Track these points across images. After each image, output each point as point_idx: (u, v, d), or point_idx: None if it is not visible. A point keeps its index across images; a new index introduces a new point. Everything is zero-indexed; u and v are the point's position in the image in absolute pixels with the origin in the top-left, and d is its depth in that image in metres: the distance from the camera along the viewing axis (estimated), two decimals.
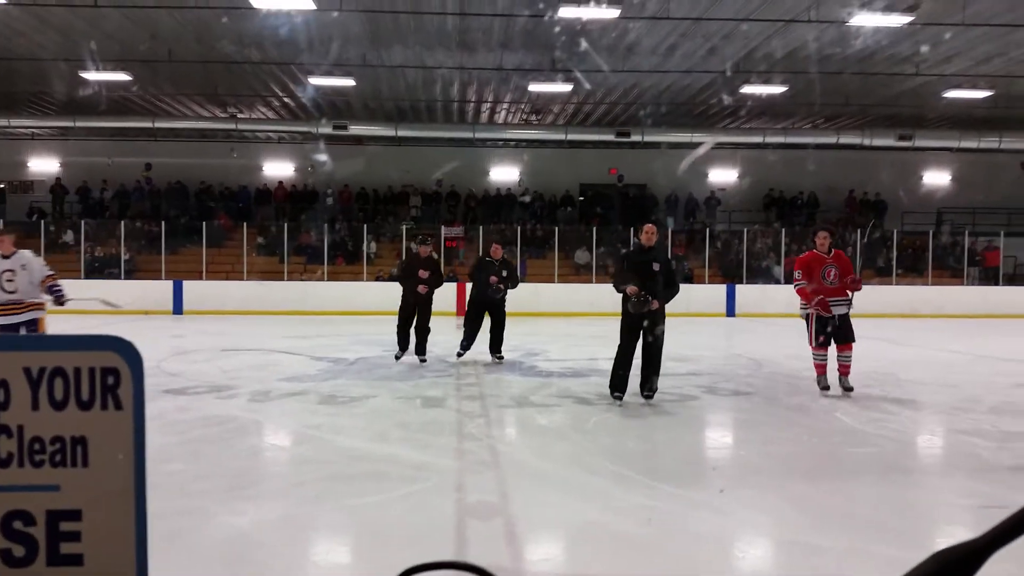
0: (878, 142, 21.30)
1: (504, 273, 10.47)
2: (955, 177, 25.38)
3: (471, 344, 10.62)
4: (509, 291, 10.59)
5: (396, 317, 10.48)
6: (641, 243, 7.81)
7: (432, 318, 10.56)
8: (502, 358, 10.64)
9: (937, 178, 25.57)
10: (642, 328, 7.56)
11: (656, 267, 7.48)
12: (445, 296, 20.52)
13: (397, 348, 10.43)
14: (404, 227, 22.34)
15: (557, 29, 13.91)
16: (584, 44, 14.71)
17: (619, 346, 7.71)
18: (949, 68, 16.41)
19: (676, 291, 7.72)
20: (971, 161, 24.31)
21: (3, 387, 0.75)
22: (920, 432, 7.27)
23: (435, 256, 10.79)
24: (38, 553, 0.75)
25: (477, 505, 4.57)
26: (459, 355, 10.59)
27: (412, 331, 10.38)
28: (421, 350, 10.41)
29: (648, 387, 7.72)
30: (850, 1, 12.35)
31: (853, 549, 3.93)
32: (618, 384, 7.71)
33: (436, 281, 10.34)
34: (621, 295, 7.57)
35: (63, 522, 0.74)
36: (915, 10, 12.51)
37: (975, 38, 14.38)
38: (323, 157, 23.77)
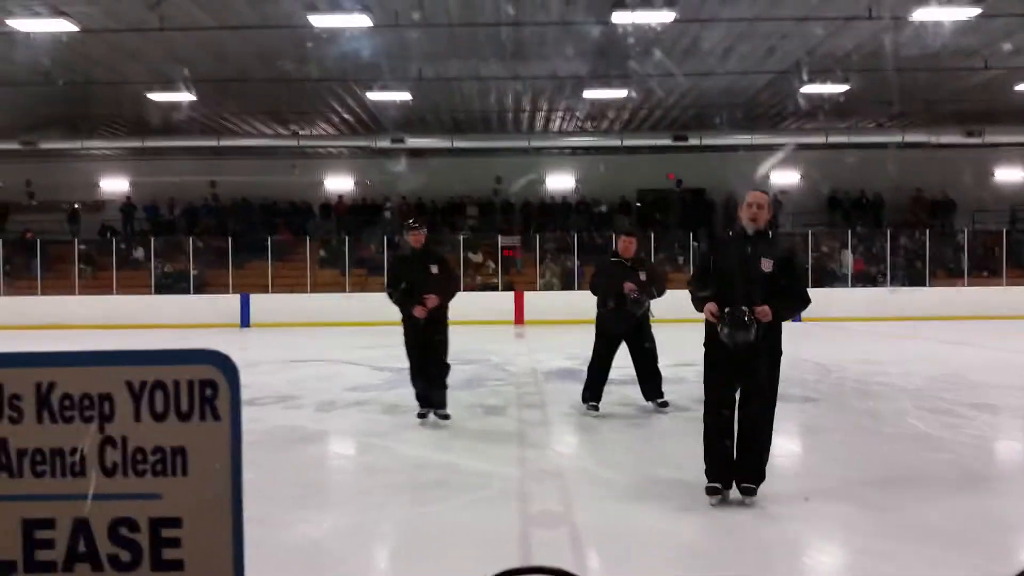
0: (945, 139, 20.64)
1: (643, 277, 7.23)
2: None
3: (601, 390, 7.49)
4: (653, 302, 7.40)
5: (406, 343, 7.19)
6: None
7: (450, 344, 7.23)
8: (666, 403, 7.45)
9: (1009, 175, 24.63)
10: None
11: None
12: (500, 303, 20.79)
13: (417, 403, 7.22)
14: (461, 237, 22.51)
15: (612, 34, 13.87)
16: (639, 49, 14.64)
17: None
18: (1020, 60, 15.81)
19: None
20: None
21: (108, 400, 0.79)
22: (998, 437, 7.01)
23: (436, 248, 7.60)
24: (142, 558, 0.79)
25: (541, 514, 4.57)
26: (593, 408, 7.45)
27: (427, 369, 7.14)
28: (440, 400, 7.05)
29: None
30: None
31: (929, 558, 3.81)
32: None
33: (445, 285, 6.93)
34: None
35: (165, 529, 0.78)
36: (982, 1, 12.10)
37: None
38: (381, 170, 24.13)
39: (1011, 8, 12.63)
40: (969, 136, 20.45)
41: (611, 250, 7.61)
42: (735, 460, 4.60)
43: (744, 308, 4.34)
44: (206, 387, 0.83)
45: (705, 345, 4.63)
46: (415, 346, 6.98)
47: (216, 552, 0.76)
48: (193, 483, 0.80)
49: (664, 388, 7.52)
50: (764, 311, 4.35)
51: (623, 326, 7.22)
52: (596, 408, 7.39)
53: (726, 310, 4.36)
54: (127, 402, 0.80)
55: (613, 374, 10.32)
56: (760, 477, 4.56)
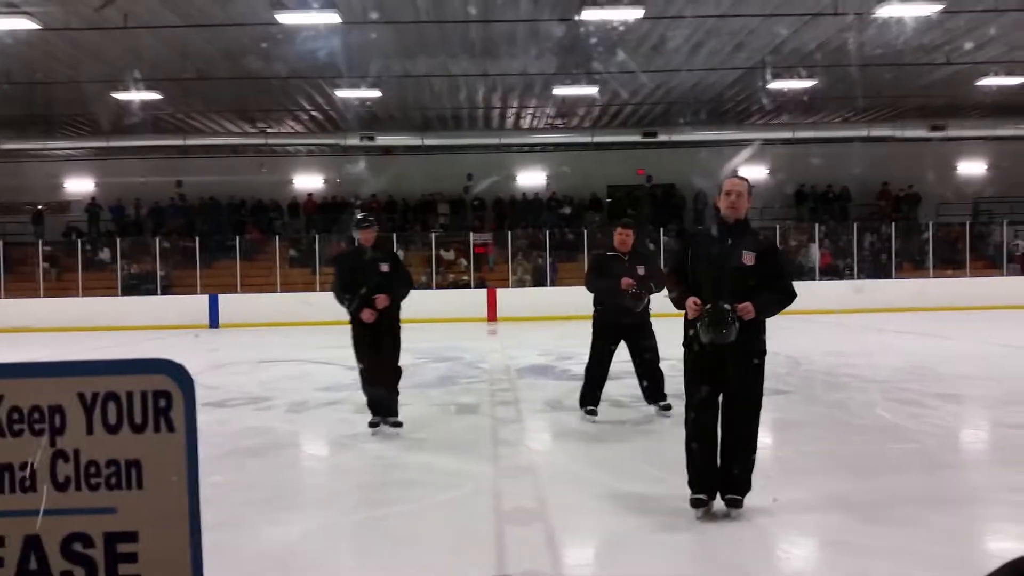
0: (910, 133, 20.95)
1: (641, 271, 6.79)
2: (991, 166, 24.88)
3: (599, 393, 7.11)
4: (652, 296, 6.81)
5: (353, 346, 6.62)
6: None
7: (402, 350, 6.63)
8: (669, 407, 7.01)
9: (972, 168, 25.08)
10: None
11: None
12: (473, 300, 20.77)
13: (369, 412, 6.64)
14: (433, 235, 22.43)
15: (580, 32, 13.89)
16: (608, 46, 14.68)
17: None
18: (982, 56, 16.09)
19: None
20: (1008, 149, 23.81)
21: (59, 412, 0.76)
22: (963, 427, 7.13)
23: (386, 245, 7.02)
24: (98, 574, 0.76)
25: (515, 512, 4.56)
26: (590, 413, 7.06)
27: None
28: (391, 407, 6.54)
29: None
30: None
31: (900, 548, 3.86)
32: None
33: (396, 285, 6.42)
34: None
35: (121, 544, 0.75)
36: None
37: (1008, 24, 14.09)
38: (350, 168, 23.98)
39: (972, 5, 12.84)
40: (933, 130, 20.79)
41: (607, 243, 7.08)
42: (718, 469, 4.28)
43: (725, 305, 4.00)
44: (160, 398, 0.81)
45: (684, 345, 4.29)
46: (365, 350, 6.43)
47: (174, 566, 0.73)
48: (149, 496, 0.78)
49: (636, 382, 7.48)
50: (746, 308, 4.01)
51: (622, 324, 6.79)
52: (595, 413, 7.01)
53: (706, 307, 4.03)
54: (79, 414, 0.78)
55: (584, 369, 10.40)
56: (745, 487, 4.27)
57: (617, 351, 7.03)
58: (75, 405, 0.76)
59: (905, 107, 20.62)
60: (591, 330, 7.01)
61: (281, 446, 6.59)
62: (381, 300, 6.21)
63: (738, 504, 4.26)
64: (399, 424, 6.56)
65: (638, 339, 6.88)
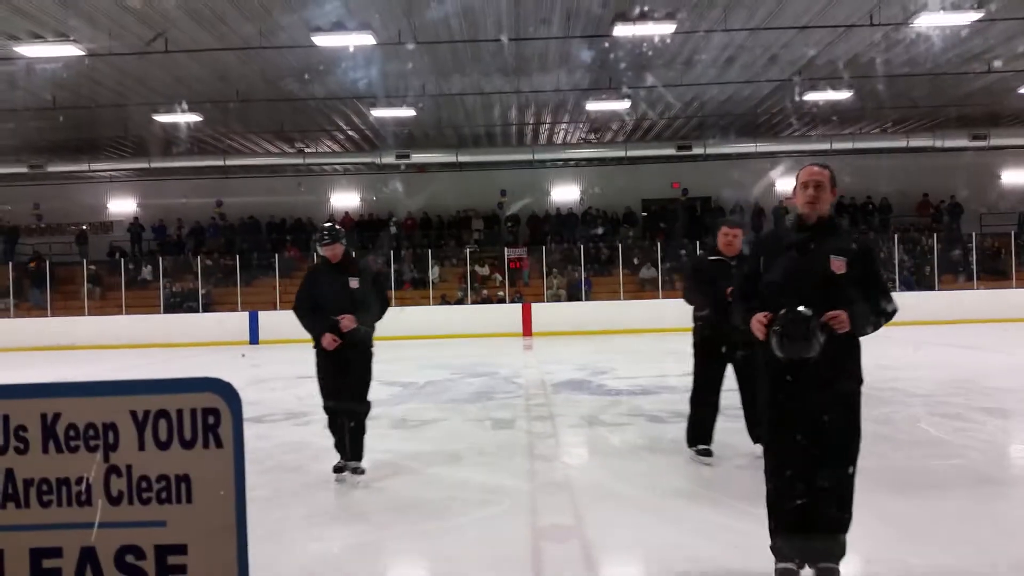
0: (950, 143, 20.60)
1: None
2: None
3: (711, 427, 5.93)
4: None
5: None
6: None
7: (371, 382, 5.83)
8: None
9: (1016, 177, 24.55)
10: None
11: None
12: (508, 315, 20.82)
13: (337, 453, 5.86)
14: (467, 250, 22.55)
15: (612, 48, 13.92)
16: (641, 60, 14.70)
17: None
18: (1022, 63, 15.80)
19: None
20: None
21: (112, 429, 0.80)
22: (1010, 442, 6.96)
23: (359, 260, 5.83)
24: None
25: (552, 528, 4.55)
26: (702, 453, 5.89)
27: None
28: (355, 450, 5.80)
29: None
30: (914, 1, 12.04)
31: (944, 566, 3.78)
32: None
33: (366, 304, 5.56)
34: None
35: (171, 556, 0.79)
36: (983, 6, 12.12)
37: None
38: (386, 186, 24.26)
39: (1013, 12, 12.63)
40: (974, 140, 20.41)
41: (710, 246, 6.12)
42: (807, 529, 3.47)
43: (805, 311, 3.21)
44: (208, 415, 0.84)
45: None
46: (328, 382, 5.67)
47: None
48: (198, 510, 0.81)
49: (673, 397, 7.40)
50: (838, 317, 3.21)
51: (731, 341, 5.50)
52: (708, 454, 5.82)
53: (781, 312, 3.25)
54: (131, 431, 0.81)
55: (620, 384, 10.36)
56: (841, 552, 3.45)
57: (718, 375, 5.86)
58: (127, 422, 0.79)
59: (944, 117, 20.29)
60: (691, 350, 5.91)
61: (319, 461, 6.64)
62: (346, 322, 5.39)
63: (834, 574, 3.42)
64: (361, 471, 5.76)
65: (749, 361, 5.13)
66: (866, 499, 4.91)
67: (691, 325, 5.91)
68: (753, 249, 3.76)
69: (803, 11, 12.63)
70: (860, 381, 3.42)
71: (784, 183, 24.83)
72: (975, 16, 12.39)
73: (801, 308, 3.24)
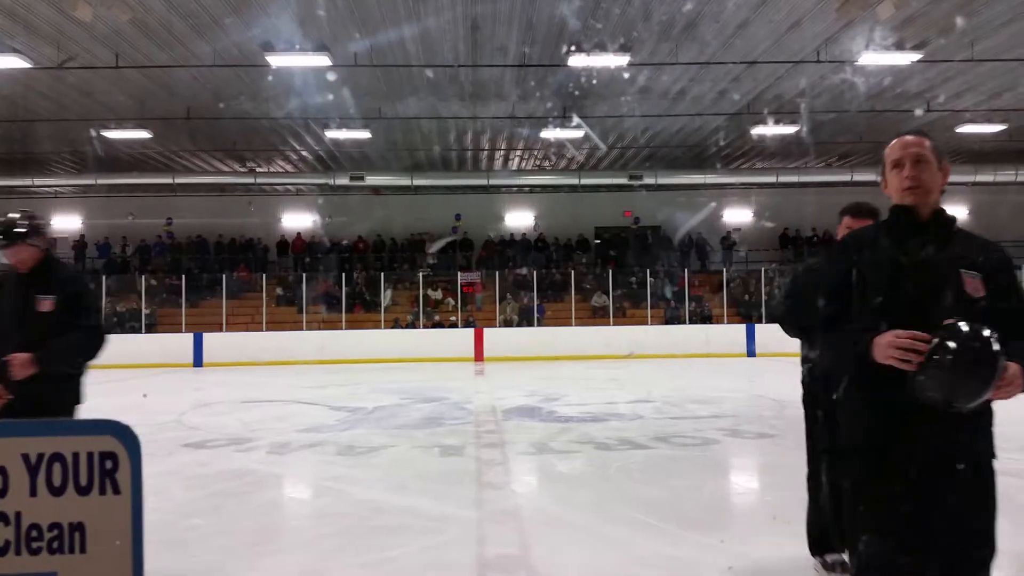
0: None
1: None
2: (972, 211, 25.23)
3: (839, 529, 3.86)
4: None
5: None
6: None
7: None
8: None
9: (955, 213, 25.36)
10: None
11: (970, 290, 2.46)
12: (461, 340, 20.72)
13: None
14: (421, 274, 22.44)
15: (568, 77, 14.08)
16: (595, 90, 14.89)
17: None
18: (960, 103, 16.43)
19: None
20: (986, 195, 24.19)
21: (1, 474, 0.74)
22: None
23: (62, 271, 3.94)
24: None
25: (498, 558, 4.49)
26: (837, 567, 3.95)
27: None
28: None
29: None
30: (858, 40, 12.44)
31: None
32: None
33: (64, 336, 3.57)
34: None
35: None
36: (922, 48, 12.58)
37: (984, 73, 14.41)
38: (340, 207, 24.06)
39: (950, 54, 13.13)
40: None
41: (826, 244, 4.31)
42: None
43: (983, 330, 2.09)
44: (106, 459, 0.79)
45: (849, 447, 2.39)
46: None
47: None
48: (92, 561, 0.76)
49: (622, 424, 7.43)
50: (1015, 382, 2.10)
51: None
52: (836, 569, 3.93)
53: (948, 323, 2.12)
54: (22, 475, 0.76)
55: (571, 411, 10.34)
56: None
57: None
58: (18, 466, 0.74)
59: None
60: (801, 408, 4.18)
61: (262, 488, 6.48)
62: (18, 366, 3.38)
63: None
64: None
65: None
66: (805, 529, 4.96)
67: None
68: (838, 254, 2.56)
69: (752, 47, 12.95)
70: (993, 456, 2.31)
71: (732, 214, 25.33)
72: (914, 57, 12.86)
73: (967, 324, 2.11)
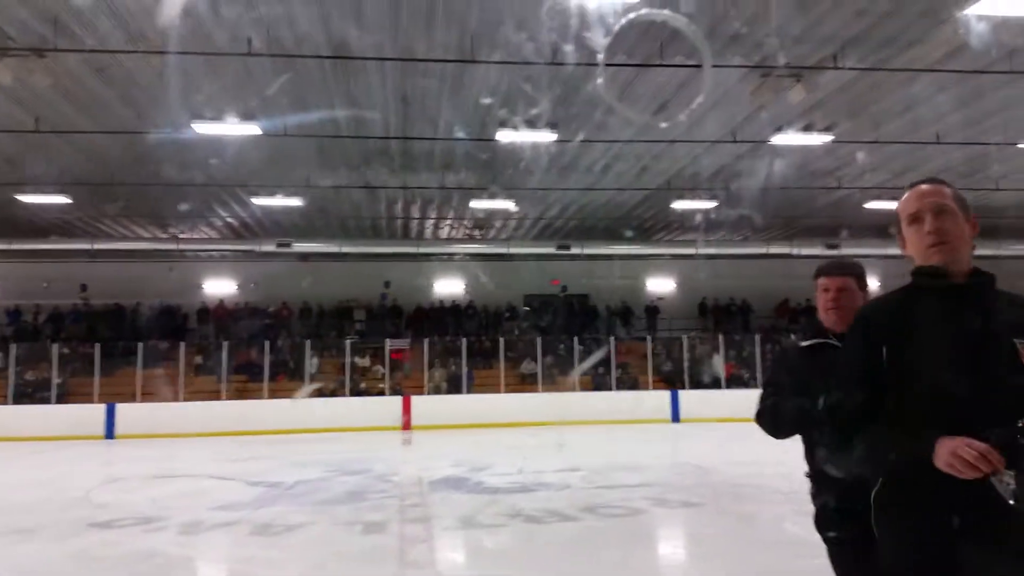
0: (806, 251, 22.16)
1: None
2: (882, 283, 26.47)
3: None
4: None
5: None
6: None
7: None
8: None
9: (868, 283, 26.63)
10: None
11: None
12: (388, 409, 20.35)
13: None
14: (348, 342, 22.14)
15: (496, 151, 14.39)
16: (523, 164, 15.24)
17: None
18: (868, 181, 17.40)
19: None
20: (895, 267, 25.46)
21: None
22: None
23: None
24: None
25: None
26: None
27: None
28: None
29: None
30: (771, 123, 13.12)
31: None
32: None
33: None
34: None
35: None
36: (833, 129, 13.37)
37: (889, 154, 15.36)
38: (265, 274, 23.66)
39: (857, 136, 13.97)
40: (828, 248, 22.07)
41: (806, 322, 3.77)
42: None
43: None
44: None
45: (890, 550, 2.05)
46: None
47: None
48: None
49: (550, 495, 7.42)
50: None
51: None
52: None
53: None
54: None
55: (499, 481, 10.25)
56: None
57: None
58: None
59: (801, 226, 21.92)
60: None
61: (170, 573, 6.18)
62: None
63: None
64: None
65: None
66: None
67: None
68: (866, 326, 2.17)
69: (672, 127, 13.52)
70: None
71: (655, 284, 25.98)
72: (826, 138, 13.62)
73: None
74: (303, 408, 19.64)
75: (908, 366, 2.01)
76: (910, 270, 2.16)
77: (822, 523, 2.84)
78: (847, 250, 22.50)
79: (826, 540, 2.84)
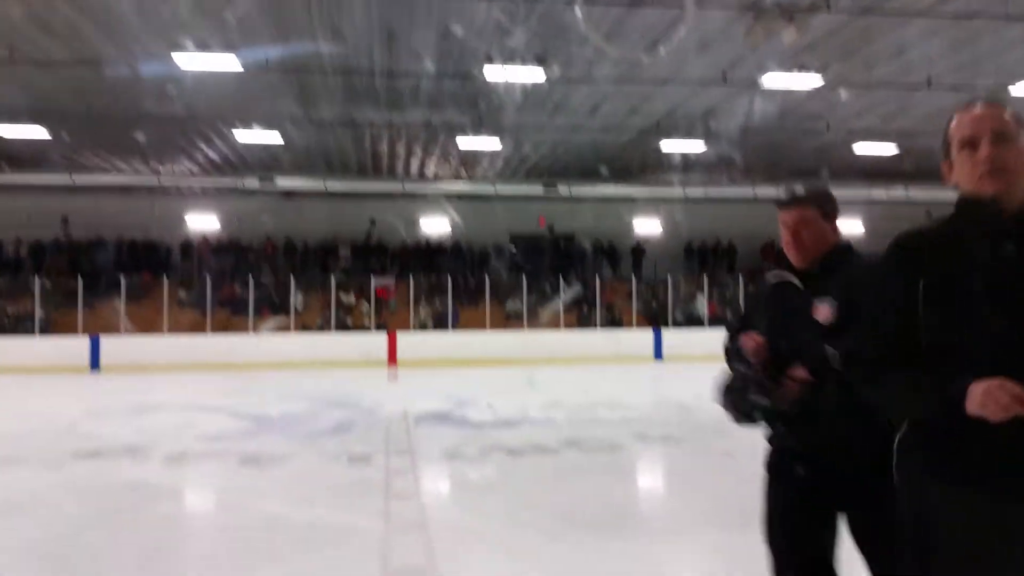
0: None
1: (827, 313, 2.52)
2: (866, 227, 26.60)
3: None
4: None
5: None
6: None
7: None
8: None
9: (850, 227, 26.73)
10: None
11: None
12: (373, 344, 20.44)
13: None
14: (333, 278, 22.10)
15: (484, 87, 14.15)
16: (510, 102, 15.02)
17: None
18: (857, 124, 17.32)
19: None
20: (879, 211, 25.53)
21: None
22: None
23: None
24: None
25: (403, 569, 4.49)
26: None
27: None
28: None
29: None
30: (763, 63, 12.95)
31: None
32: None
33: None
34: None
35: None
36: (824, 71, 13.23)
37: (879, 98, 15.26)
38: (248, 210, 23.40)
39: (848, 78, 13.84)
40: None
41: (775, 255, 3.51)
42: None
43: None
44: None
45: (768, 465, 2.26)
46: None
47: None
48: None
49: (534, 430, 7.53)
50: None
51: (830, 471, 2.52)
52: None
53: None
54: None
55: (483, 416, 10.38)
56: None
57: None
58: None
59: (788, 169, 21.88)
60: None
61: (157, 502, 6.27)
62: None
63: None
64: None
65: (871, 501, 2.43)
66: (708, 534, 5.13)
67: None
68: (897, 263, 2.00)
69: (662, 67, 13.33)
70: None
71: (642, 226, 25.96)
72: (816, 81, 13.45)
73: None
74: (272, 341, 19.76)
75: (947, 304, 1.84)
76: (956, 200, 1.95)
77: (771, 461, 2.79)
78: (834, 193, 22.51)
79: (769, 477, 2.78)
